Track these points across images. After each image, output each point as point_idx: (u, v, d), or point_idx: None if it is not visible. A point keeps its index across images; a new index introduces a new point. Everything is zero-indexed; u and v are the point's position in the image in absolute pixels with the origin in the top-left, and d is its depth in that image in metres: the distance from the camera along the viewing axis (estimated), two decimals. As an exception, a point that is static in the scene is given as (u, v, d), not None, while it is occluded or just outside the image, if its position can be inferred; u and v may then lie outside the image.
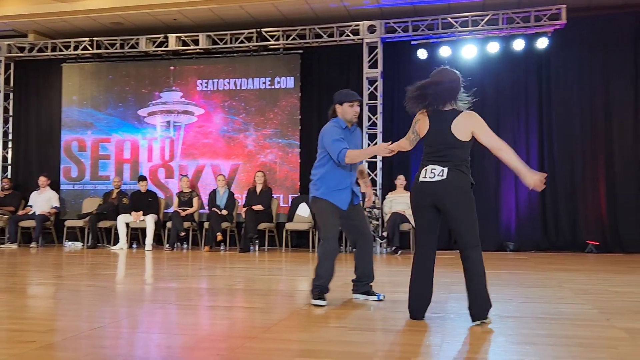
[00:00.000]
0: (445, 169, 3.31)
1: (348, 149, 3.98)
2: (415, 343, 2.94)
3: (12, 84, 11.31)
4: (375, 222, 9.03)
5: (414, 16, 9.41)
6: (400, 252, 8.54)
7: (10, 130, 11.35)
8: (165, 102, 10.55)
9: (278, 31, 9.87)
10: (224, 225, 9.33)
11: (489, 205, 9.14)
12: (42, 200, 10.20)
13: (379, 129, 9.42)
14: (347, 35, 9.61)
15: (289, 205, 9.74)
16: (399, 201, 8.94)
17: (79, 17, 9.92)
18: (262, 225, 9.21)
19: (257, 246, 9.46)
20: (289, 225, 9.29)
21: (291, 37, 9.84)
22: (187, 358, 2.63)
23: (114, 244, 9.70)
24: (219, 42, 10.17)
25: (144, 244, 9.56)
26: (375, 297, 4.13)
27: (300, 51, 10.01)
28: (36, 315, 3.74)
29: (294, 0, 9.05)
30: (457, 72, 3.48)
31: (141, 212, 9.58)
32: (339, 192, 4.05)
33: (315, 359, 2.60)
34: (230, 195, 9.65)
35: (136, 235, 10.11)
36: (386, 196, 9.20)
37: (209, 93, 10.39)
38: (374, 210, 9.04)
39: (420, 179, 3.40)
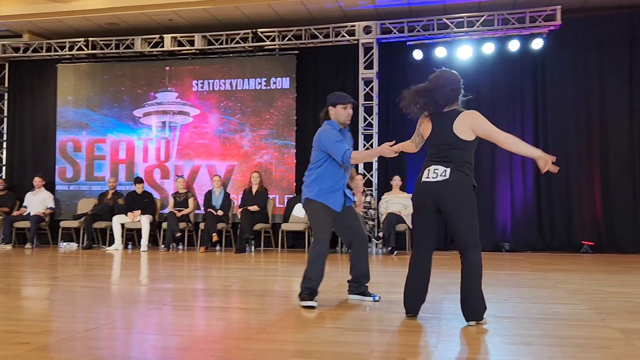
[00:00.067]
0: (448, 170, 3.32)
1: (351, 150, 4.00)
2: (411, 343, 2.94)
3: (6, 84, 11.28)
4: (371, 222, 9.04)
5: (410, 17, 9.43)
6: (396, 252, 8.54)
7: (5, 130, 11.32)
8: (160, 102, 10.53)
9: (274, 32, 9.86)
10: (220, 226, 9.32)
11: (485, 206, 9.14)
12: (37, 201, 10.17)
13: (375, 130, 9.43)
14: (343, 36, 9.62)
15: (285, 206, 9.74)
16: (395, 202, 8.95)
17: (74, 17, 9.90)
18: (257, 226, 9.21)
19: (252, 247, 9.46)
20: (285, 226, 9.29)
21: (287, 38, 9.84)
22: (182, 359, 2.63)
23: (109, 245, 9.68)
24: (214, 42, 10.16)
25: (139, 245, 9.54)
26: (370, 298, 4.13)
27: (296, 52, 10.01)
28: (31, 316, 3.72)
29: (290, 0, 9.05)
30: (456, 73, 3.50)
31: (139, 211, 9.56)
32: (332, 194, 4.05)
33: (311, 359, 2.60)
34: (226, 195, 9.64)
35: (131, 236, 10.09)
36: (382, 197, 9.20)
37: (204, 93, 10.38)
38: (370, 210, 9.05)
39: (423, 179, 3.41)
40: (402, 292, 3.60)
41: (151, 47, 10.38)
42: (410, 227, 8.69)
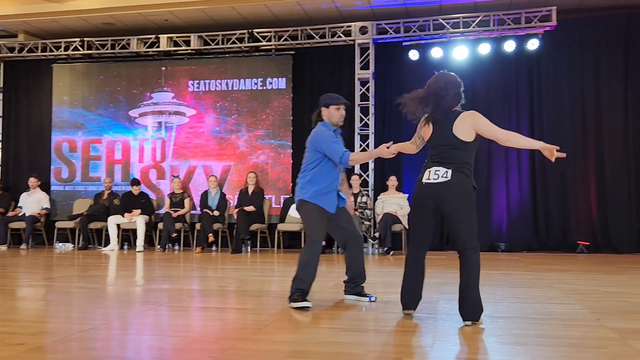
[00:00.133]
0: (450, 171, 3.34)
1: (349, 151, 3.99)
2: (407, 344, 2.94)
3: (2, 85, 11.25)
4: (367, 223, 9.04)
5: (406, 17, 9.44)
6: (392, 252, 8.55)
7: (0, 131, 11.28)
8: (156, 102, 10.52)
9: (270, 32, 9.86)
10: (216, 226, 9.31)
11: (481, 206, 9.15)
12: (33, 202, 10.14)
13: (371, 130, 9.44)
14: (339, 37, 9.63)
15: (281, 206, 9.74)
16: (391, 202, 8.95)
17: (70, 17, 9.87)
18: (254, 226, 9.20)
19: (249, 247, 9.45)
20: (281, 226, 9.28)
21: (283, 38, 9.84)
22: (178, 360, 2.62)
23: (105, 245, 9.65)
24: (210, 42, 10.15)
25: (135, 245, 9.52)
26: (367, 299, 4.13)
27: (292, 52, 10.01)
28: (26, 317, 3.71)
29: (286, 1, 9.05)
30: (455, 75, 3.51)
31: (139, 211, 9.55)
32: (327, 195, 4.03)
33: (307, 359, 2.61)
34: (222, 196, 9.63)
35: (127, 237, 10.07)
36: (378, 197, 9.21)
37: (200, 94, 10.37)
38: (366, 211, 9.05)
39: (424, 180, 3.42)
40: (398, 292, 3.61)
41: (147, 47, 10.36)
42: (407, 227, 8.70)
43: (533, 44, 9.00)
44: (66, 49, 10.60)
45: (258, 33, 9.90)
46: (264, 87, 10.10)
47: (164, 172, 10.41)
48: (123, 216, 9.55)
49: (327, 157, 4.02)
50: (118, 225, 9.58)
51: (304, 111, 9.91)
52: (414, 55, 9.47)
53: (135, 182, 9.86)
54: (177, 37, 10.24)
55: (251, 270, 6.68)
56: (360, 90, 9.52)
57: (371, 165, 9.45)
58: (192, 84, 10.39)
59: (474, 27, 9.09)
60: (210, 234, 9.10)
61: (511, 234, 9.29)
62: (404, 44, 9.47)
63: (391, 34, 9.44)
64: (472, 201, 3.36)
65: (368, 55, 9.52)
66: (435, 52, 9.36)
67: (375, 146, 8.97)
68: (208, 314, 3.83)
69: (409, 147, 3.75)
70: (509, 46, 9.11)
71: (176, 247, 9.69)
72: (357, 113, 9.48)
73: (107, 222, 9.54)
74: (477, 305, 3.31)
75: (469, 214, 3.34)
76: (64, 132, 10.77)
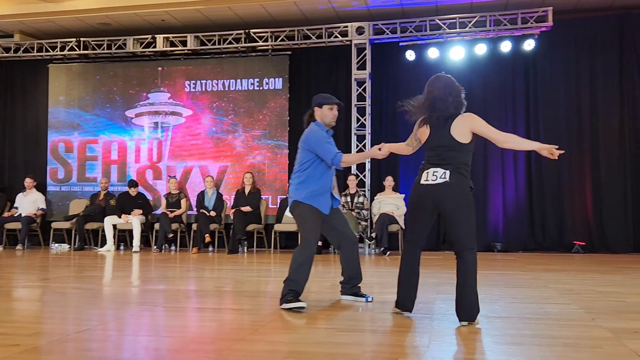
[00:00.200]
0: (448, 172, 3.36)
1: (341, 153, 3.99)
2: (403, 344, 2.95)
3: (-3, 85, 11.22)
4: (363, 223, 9.05)
5: (402, 18, 9.45)
6: (388, 253, 8.55)
7: (-4, 131, 11.25)
8: (152, 103, 10.51)
9: (266, 32, 9.86)
10: (212, 226, 9.30)
11: (477, 206, 9.05)
12: (28, 202, 10.11)
13: (368, 130, 9.45)
14: (336, 37, 9.63)
15: (278, 206, 9.73)
16: (388, 202, 8.96)
17: (66, 17, 9.85)
18: (250, 227, 9.20)
19: (245, 247, 9.45)
20: (278, 227, 9.28)
21: (279, 39, 9.84)
22: (174, 360, 2.62)
23: (101, 246, 9.64)
24: (207, 43, 10.14)
25: (132, 246, 9.50)
26: (363, 299, 4.13)
27: (289, 52, 10.01)
28: (21, 318, 3.70)
29: (283, 1, 9.05)
30: (451, 77, 3.54)
31: (140, 211, 9.54)
32: (321, 196, 4.01)
33: (303, 360, 2.60)
34: (219, 196, 9.62)
35: (123, 237, 10.06)
36: (375, 197, 9.22)
37: (197, 94, 10.36)
38: (363, 211, 9.05)
39: (422, 181, 3.43)
40: (394, 293, 3.62)
41: (143, 48, 10.35)
42: (403, 227, 8.70)
43: (529, 45, 9.02)
44: (62, 49, 10.57)
45: (255, 33, 9.89)
46: (261, 88, 10.10)
47: (160, 172, 10.40)
48: (119, 217, 9.53)
49: (320, 157, 4.01)
50: (114, 226, 9.56)
51: (301, 112, 9.85)
52: (410, 55, 9.48)
53: (133, 183, 9.83)
54: (173, 37, 10.23)
55: (248, 270, 6.67)
56: (357, 90, 9.53)
57: (368, 166, 9.46)
58: (189, 84, 10.38)
59: (470, 28, 9.10)
60: (207, 235, 9.09)
61: (507, 234, 9.31)
62: (401, 44, 9.48)
63: (388, 34, 9.44)
64: (471, 202, 3.39)
65: (365, 55, 9.52)
66: (432, 53, 9.37)
67: (372, 147, 8.98)
68: (204, 314, 3.83)
69: (404, 148, 3.77)
70: (505, 46, 9.13)
71: (172, 248, 9.68)
72: (354, 113, 9.48)
73: (104, 223, 9.53)
74: (474, 306, 3.32)
75: (467, 214, 3.36)
76: (60, 132, 10.74)
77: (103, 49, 10.45)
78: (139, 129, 10.52)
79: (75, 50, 10.52)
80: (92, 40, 10.47)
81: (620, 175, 9.02)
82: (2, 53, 10.84)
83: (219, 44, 10.06)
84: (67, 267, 6.87)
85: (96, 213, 9.79)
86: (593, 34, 9.21)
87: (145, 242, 9.88)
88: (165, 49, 10.27)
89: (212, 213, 9.34)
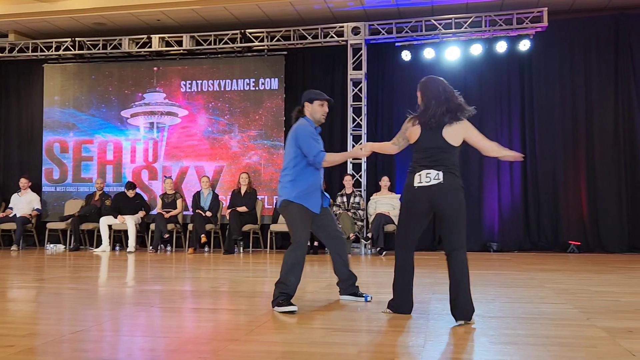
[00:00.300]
0: (441, 173, 3.39)
1: (324, 152, 3.94)
2: (399, 344, 2.95)
3: (-8, 85, 11.18)
4: (359, 223, 9.05)
5: (398, 18, 9.46)
6: (384, 253, 8.56)
7: (-9, 131, 11.21)
8: (148, 103, 10.49)
9: (262, 32, 9.86)
10: (208, 227, 9.29)
11: (472, 206, 9.20)
12: (23, 203, 10.08)
13: (364, 130, 9.45)
14: (332, 37, 9.63)
15: (274, 206, 9.73)
16: (383, 202, 8.97)
17: (61, 17, 9.82)
18: (246, 227, 9.19)
19: (241, 248, 9.44)
20: (274, 227, 9.27)
21: (275, 39, 9.84)
22: (169, 361, 2.62)
23: (97, 247, 9.61)
24: (202, 43, 10.13)
25: (127, 246, 9.49)
26: (362, 299, 4.12)
27: (285, 52, 10.01)
28: (16, 319, 3.69)
29: (278, 1, 9.04)
30: (444, 80, 3.57)
31: (143, 212, 9.55)
32: (311, 195, 3.93)
33: (299, 360, 2.60)
34: (215, 196, 9.61)
35: (119, 238, 10.03)
36: (371, 197, 9.22)
37: (192, 94, 10.34)
38: (359, 211, 9.06)
39: (415, 184, 3.44)
40: (390, 292, 3.62)
41: (139, 48, 10.33)
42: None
43: (524, 45, 9.04)
44: (57, 49, 10.54)
45: (250, 33, 9.89)
46: (257, 88, 10.09)
47: (156, 172, 10.38)
48: (115, 217, 9.51)
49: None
50: (110, 227, 9.54)
51: (297, 112, 9.90)
52: (406, 55, 9.49)
53: (131, 185, 9.78)
54: (169, 37, 10.21)
55: (243, 271, 6.67)
56: (353, 90, 9.53)
57: (364, 166, 9.46)
58: (184, 85, 10.37)
59: (465, 28, 9.12)
60: (203, 235, 9.08)
61: (503, 234, 9.33)
62: (397, 44, 9.49)
63: (383, 34, 9.45)
64: (463, 202, 3.43)
65: (360, 55, 9.53)
66: (428, 53, 9.38)
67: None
68: (200, 315, 3.83)
69: (389, 147, 3.76)
70: (501, 47, 9.15)
71: (168, 248, 9.66)
72: (350, 113, 9.49)
73: (99, 223, 9.50)
74: (469, 305, 3.33)
75: (460, 214, 3.39)
76: (55, 132, 10.71)
77: (98, 49, 10.42)
78: (134, 129, 10.50)
79: (71, 50, 10.49)
80: (87, 40, 10.44)
81: (615, 175, 9.05)
82: (-3, 53, 10.81)
83: (215, 44, 10.05)
84: (63, 268, 6.86)
85: (91, 213, 9.77)
86: (588, 35, 9.25)
87: (140, 243, 9.85)
88: (160, 49, 10.26)
89: (208, 213, 9.33)
